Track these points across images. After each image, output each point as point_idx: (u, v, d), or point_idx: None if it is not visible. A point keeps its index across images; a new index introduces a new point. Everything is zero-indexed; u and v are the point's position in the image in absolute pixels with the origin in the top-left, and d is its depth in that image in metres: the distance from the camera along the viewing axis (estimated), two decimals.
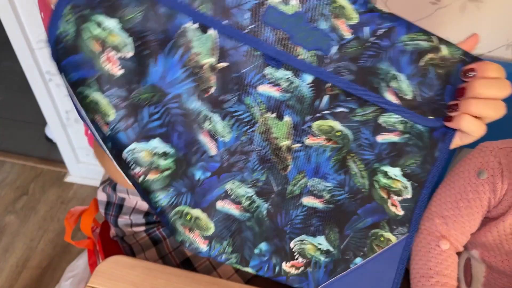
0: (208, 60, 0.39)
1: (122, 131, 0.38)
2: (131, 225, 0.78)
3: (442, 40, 0.42)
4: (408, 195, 0.45)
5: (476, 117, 0.41)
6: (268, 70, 0.40)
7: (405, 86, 0.42)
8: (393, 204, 0.45)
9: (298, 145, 0.43)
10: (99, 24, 0.37)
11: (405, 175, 0.44)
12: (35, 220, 1.36)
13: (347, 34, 0.41)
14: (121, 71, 0.38)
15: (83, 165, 1.45)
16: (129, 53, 0.38)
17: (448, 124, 0.43)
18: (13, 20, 1.02)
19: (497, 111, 0.42)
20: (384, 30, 0.41)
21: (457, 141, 0.45)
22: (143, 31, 0.38)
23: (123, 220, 0.79)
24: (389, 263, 0.45)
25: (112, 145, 0.39)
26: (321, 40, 0.40)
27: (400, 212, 0.45)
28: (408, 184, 0.44)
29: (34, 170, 1.50)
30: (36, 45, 1.09)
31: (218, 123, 0.40)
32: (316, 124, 0.43)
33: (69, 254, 1.28)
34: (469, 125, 0.42)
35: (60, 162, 1.50)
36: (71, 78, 0.38)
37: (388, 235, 0.45)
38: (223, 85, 0.40)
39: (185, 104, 0.39)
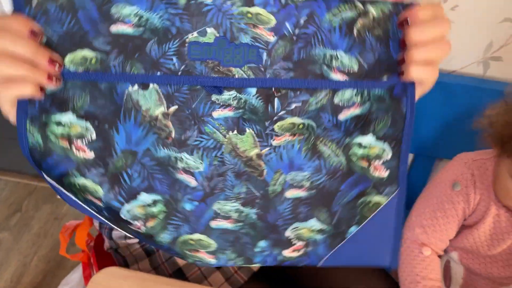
0: (159, 111, 0.42)
1: (113, 200, 0.45)
2: (125, 237, 0.81)
3: (366, 1, 0.40)
4: (388, 156, 0.45)
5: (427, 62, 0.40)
6: (214, 97, 0.42)
7: (347, 60, 0.42)
8: (375, 169, 0.46)
9: (267, 149, 0.45)
10: (58, 123, 0.42)
11: (379, 138, 0.45)
12: (28, 236, 1.37)
13: (270, 38, 0.41)
14: (92, 153, 0.43)
15: None
16: (92, 134, 0.43)
17: (402, 78, 0.42)
18: None
19: (442, 51, 0.40)
20: (304, 18, 0.41)
21: (419, 91, 0.43)
22: (95, 111, 0.42)
23: (117, 232, 0.81)
24: (385, 221, 0.47)
25: (108, 213, 0.45)
26: (249, 53, 0.41)
27: (385, 174, 0.46)
28: (384, 145, 0.45)
29: (28, 187, 1.52)
30: None
31: (189, 160, 0.44)
32: (277, 126, 0.44)
33: (63, 269, 1.29)
34: (419, 73, 0.41)
35: None
36: (55, 176, 0.43)
37: (376, 199, 0.47)
38: (180, 125, 0.43)
39: (155, 155, 0.44)
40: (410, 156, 1.06)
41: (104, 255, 0.87)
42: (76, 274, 1.04)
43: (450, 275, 0.78)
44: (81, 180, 0.44)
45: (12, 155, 1.63)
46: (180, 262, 0.79)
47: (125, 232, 0.46)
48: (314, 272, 0.79)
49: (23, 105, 0.40)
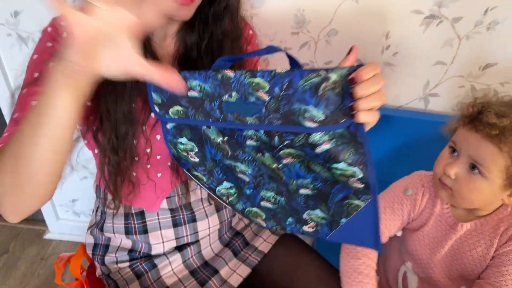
0: (219, 139, 0.70)
1: (211, 184, 0.78)
2: (117, 262, 0.89)
3: (329, 70, 0.54)
4: (360, 175, 0.60)
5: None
6: (244, 133, 0.66)
7: (315, 112, 0.56)
8: (353, 182, 0.61)
9: (280, 165, 0.67)
10: (181, 143, 0.74)
11: (349, 164, 0.59)
12: (16, 277, 1.42)
13: (266, 98, 0.60)
14: (197, 159, 0.75)
15: (62, 221, 1.54)
16: (196, 149, 0.74)
17: (353, 120, 0.55)
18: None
19: (379, 101, 0.54)
20: (286, 84, 0.57)
21: (367, 127, 0.57)
22: (194, 137, 0.73)
23: (109, 258, 0.90)
24: (365, 219, 0.64)
25: (211, 190, 0.79)
26: (255, 108, 0.61)
27: (360, 185, 0.61)
28: (355, 169, 0.59)
29: (15, 229, 1.57)
30: None
31: (242, 166, 0.72)
32: (281, 153, 0.65)
33: None
34: (365, 118, 0.54)
35: (39, 220, 1.58)
36: (186, 168, 0.78)
37: (356, 202, 0.63)
38: (232, 147, 0.70)
39: (224, 162, 0.73)
40: None
41: (96, 282, 0.94)
42: None
43: (407, 284, 0.89)
44: (196, 172, 0.78)
45: None
46: (168, 282, 0.88)
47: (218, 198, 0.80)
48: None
49: (167, 136, 0.75)
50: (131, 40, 0.50)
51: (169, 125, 0.74)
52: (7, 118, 1.23)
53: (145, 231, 0.87)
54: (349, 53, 0.59)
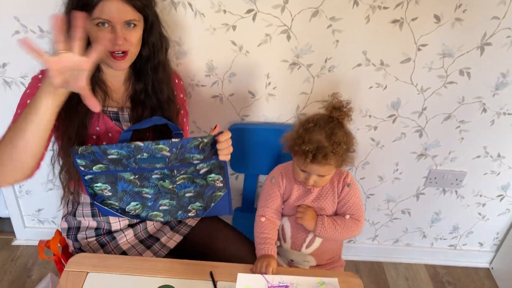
0: (132, 177, 1.14)
1: (121, 205, 1.18)
2: (86, 238, 1.27)
3: (203, 137, 1.04)
4: (221, 179, 1.14)
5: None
6: (151, 171, 1.12)
7: (199, 156, 1.08)
8: (216, 183, 1.13)
9: (175, 185, 1.15)
10: (96, 186, 1.15)
11: (216, 174, 1.14)
12: None
13: (168, 154, 1.05)
14: (110, 193, 1.15)
15: (28, 229, 1.86)
16: (108, 187, 1.14)
17: (219, 157, 1.10)
18: None
19: (229, 150, 1.09)
20: (179, 146, 1.04)
21: (224, 158, 1.11)
22: (108, 181, 1.13)
23: (80, 235, 1.27)
24: (224, 202, 1.19)
25: (121, 209, 1.20)
26: (161, 159, 1.06)
27: (221, 184, 1.14)
28: (218, 176, 1.14)
29: None
30: None
31: (146, 189, 1.16)
32: (177, 179, 1.14)
33: None
34: (223, 157, 1.09)
35: (7, 232, 1.89)
36: (100, 200, 1.18)
37: (219, 193, 1.16)
38: (141, 180, 1.13)
39: (133, 190, 1.17)
40: (242, 176, 1.70)
41: (70, 255, 1.31)
42: (43, 284, 1.44)
43: (284, 232, 1.35)
44: (108, 201, 1.15)
45: None
46: (124, 247, 1.26)
47: (128, 217, 1.22)
48: (208, 247, 1.32)
49: (85, 183, 1.10)
50: (83, 71, 0.85)
51: (87, 177, 1.09)
52: None
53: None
54: (214, 128, 1.10)
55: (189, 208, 1.21)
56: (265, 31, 1.35)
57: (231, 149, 1.10)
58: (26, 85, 1.39)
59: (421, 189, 1.75)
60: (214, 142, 1.07)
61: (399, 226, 1.88)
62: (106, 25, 1.02)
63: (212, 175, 1.15)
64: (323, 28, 1.35)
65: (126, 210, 1.18)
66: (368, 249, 1.96)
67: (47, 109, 0.90)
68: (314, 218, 1.26)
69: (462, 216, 1.84)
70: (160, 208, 1.20)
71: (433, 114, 1.55)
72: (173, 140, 1.03)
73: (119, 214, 1.18)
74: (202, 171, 1.13)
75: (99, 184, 1.11)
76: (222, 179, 1.16)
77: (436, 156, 1.65)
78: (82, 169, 1.06)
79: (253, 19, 1.33)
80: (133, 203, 1.17)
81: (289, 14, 1.32)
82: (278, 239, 1.34)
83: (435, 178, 1.70)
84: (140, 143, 1.02)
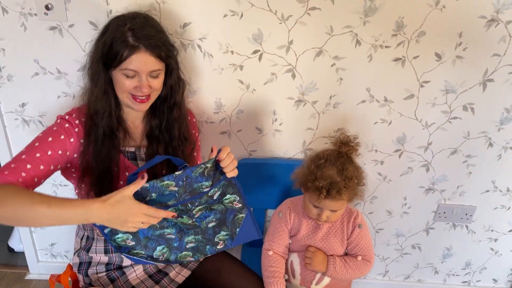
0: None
1: (148, 253, 1.16)
2: (97, 273, 1.30)
3: (205, 162, 1.06)
4: (238, 198, 1.15)
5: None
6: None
7: (206, 183, 1.10)
8: (235, 204, 1.15)
9: (194, 219, 1.14)
10: (118, 238, 1.11)
11: (231, 194, 1.15)
12: None
13: (176, 188, 1.06)
14: (133, 242, 1.13)
15: (41, 263, 1.89)
16: (130, 237, 1.12)
17: (226, 175, 1.12)
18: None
19: (233, 164, 1.11)
20: (184, 178, 1.06)
21: (233, 175, 1.13)
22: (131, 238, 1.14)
23: (91, 270, 1.30)
24: (248, 222, 1.18)
25: (149, 257, 1.18)
26: (170, 196, 1.07)
27: (239, 205, 1.16)
28: (234, 196, 1.15)
29: (0, 274, 1.90)
30: None
31: (168, 230, 1.15)
32: (194, 212, 1.14)
33: None
34: (230, 174, 1.11)
35: (20, 266, 1.93)
36: (126, 251, 1.15)
37: (241, 215, 1.16)
38: (159, 223, 1.11)
39: (155, 234, 1.15)
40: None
41: None
42: None
43: (293, 268, 1.35)
44: (134, 251, 1.13)
45: None
46: (133, 283, 1.28)
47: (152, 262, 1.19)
48: (216, 281, 1.32)
49: (106, 237, 1.09)
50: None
51: (106, 230, 1.07)
52: None
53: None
54: (212, 151, 1.10)
55: (215, 240, 1.19)
56: (271, 70, 1.41)
57: (235, 163, 1.12)
58: (43, 123, 1.46)
59: (430, 224, 1.74)
60: (217, 164, 1.09)
61: (410, 261, 1.86)
62: (133, 74, 1.10)
63: (227, 196, 1.15)
64: (327, 66, 1.40)
65: (154, 257, 1.16)
66: (379, 285, 1.93)
67: (75, 219, 0.99)
68: (324, 260, 1.26)
69: (474, 251, 1.82)
70: (188, 246, 1.18)
71: (439, 149, 1.56)
72: (176, 173, 1.05)
73: (151, 262, 1.17)
74: (216, 196, 1.13)
75: (119, 235, 1.10)
76: (238, 198, 1.15)
77: (444, 190, 1.65)
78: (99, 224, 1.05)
79: (259, 59, 1.38)
80: (159, 248, 1.15)
81: (293, 54, 1.37)
82: (287, 274, 1.35)
83: (444, 212, 1.69)
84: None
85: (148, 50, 1.08)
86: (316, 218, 1.22)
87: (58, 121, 1.15)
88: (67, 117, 1.16)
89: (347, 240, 1.28)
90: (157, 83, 1.14)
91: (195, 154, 1.36)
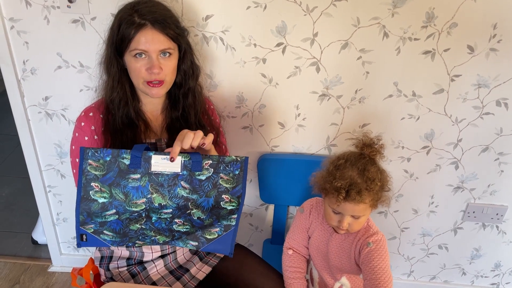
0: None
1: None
2: (118, 267, 1.29)
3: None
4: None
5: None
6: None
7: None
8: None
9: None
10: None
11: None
12: None
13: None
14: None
15: (64, 256, 1.91)
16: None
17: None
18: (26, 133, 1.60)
19: (198, 137, 1.00)
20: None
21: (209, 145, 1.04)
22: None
23: (112, 265, 1.29)
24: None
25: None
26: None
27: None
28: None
29: (24, 265, 1.93)
30: (44, 168, 1.65)
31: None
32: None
33: None
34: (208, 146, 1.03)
35: (43, 258, 1.95)
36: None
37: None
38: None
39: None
40: (272, 207, 1.67)
41: (101, 284, 1.33)
42: None
43: (312, 276, 1.32)
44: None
45: (8, 244, 2.05)
46: (154, 278, 1.27)
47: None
48: (237, 278, 1.30)
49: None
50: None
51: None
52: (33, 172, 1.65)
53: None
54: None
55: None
56: (295, 64, 1.37)
57: (199, 134, 1.01)
58: (66, 117, 1.46)
59: (458, 223, 1.68)
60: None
61: (436, 261, 1.80)
62: (143, 55, 1.08)
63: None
64: (353, 60, 1.35)
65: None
66: (404, 286, 1.88)
67: None
68: None
69: (504, 252, 1.74)
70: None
71: (469, 146, 1.50)
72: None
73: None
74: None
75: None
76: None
77: (474, 189, 1.59)
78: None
79: (283, 52, 1.35)
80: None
81: (318, 47, 1.33)
82: (307, 280, 1.32)
83: (474, 212, 1.63)
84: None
85: (154, 27, 1.06)
86: (337, 226, 1.13)
87: (76, 123, 1.18)
88: (82, 114, 1.17)
89: (354, 257, 1.19)
90: (169, 65, 1.11)
91: (218, 139, 1.31)
